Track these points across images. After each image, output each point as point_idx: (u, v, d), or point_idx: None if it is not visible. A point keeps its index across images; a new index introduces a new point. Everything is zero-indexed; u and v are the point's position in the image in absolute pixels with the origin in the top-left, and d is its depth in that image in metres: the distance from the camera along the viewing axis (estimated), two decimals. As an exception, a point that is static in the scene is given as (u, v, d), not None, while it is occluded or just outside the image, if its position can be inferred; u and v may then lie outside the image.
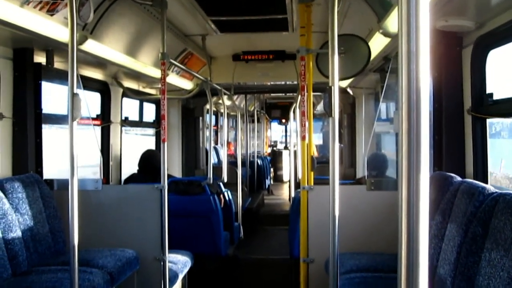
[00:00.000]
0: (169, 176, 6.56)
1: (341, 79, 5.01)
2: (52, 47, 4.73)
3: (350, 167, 9.09)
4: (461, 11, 3.82)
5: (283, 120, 21.25)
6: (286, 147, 20.32)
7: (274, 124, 23.62)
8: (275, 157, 19.20)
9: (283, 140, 23.20)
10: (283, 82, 9.55)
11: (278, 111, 19.98)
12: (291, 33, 6.67)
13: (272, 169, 17.86)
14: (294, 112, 9.19)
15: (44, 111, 4.97)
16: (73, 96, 3.36)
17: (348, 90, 8.40)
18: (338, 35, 3.57)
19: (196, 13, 5.76)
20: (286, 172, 18.36)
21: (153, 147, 8.26)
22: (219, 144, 14.05)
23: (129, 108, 7.63)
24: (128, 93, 7.07)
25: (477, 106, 4.12)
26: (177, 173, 9.09)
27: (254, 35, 7.16)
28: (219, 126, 14.10)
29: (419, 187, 1.07)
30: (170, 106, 8.96)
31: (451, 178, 3.89)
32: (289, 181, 12.32)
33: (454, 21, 3.94)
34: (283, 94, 14.69)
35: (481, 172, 4.14)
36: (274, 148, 21.51)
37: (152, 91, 7.97)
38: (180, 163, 9.34)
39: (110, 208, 4.95)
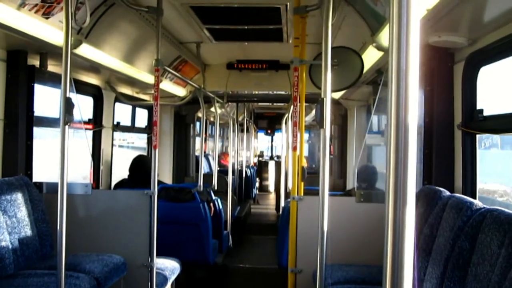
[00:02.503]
0: (159, 182, 6.55)
1: (334, 91, 5.03)
2: (46, 50, 4.73)
3: (340, 178, 9.12)
4: (453, 28, 3.86)
5: (269, 131, 21.32)
6: (271, 158, 20.39)
7: (261, 135, 23.58)
8: (261, 167, 19.28)
9: (269, 151, 23.20)
10: (276, 92, 9.60)
11: (265, 122, 20.06)
12: (286, 44, 6.71)
13: (258, 179, 17.90)
14: (286, 123, 9.22)
15: (37, 114, 4.96)
16: (66, 100, 3.37)
17: (341, 101, 8.43)
18: (332, 47, 3.60)
19: (191, 21, 5.78)
20: (272, 182, 18.50)
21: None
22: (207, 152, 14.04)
23: (123, 113, 7.63)
24: (121, 98, 7.07)
25: (467, 121, 4.16)
26: (168, 179, 9.07)
27: (249, 44, 7.20)
28: (207, 134, 14.10)
29: (406, 203, 1.08)
30: (163, 112, 8.97)
31: (440, 193, 3.91)
32: (276, 191, 12.36)
33: (446, 37, 3.98)
34: (271, 104, 14.74)
35: (470, 187, 4.17)
36: (260, 158, 21.50)
37: (146, 97, 7.97)
38: (171, 170, 9.33)
39: (99, 213, 4.93)
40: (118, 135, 7.81)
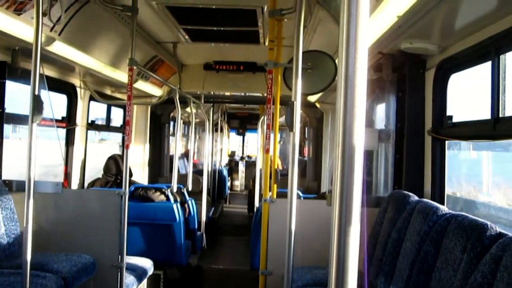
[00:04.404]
0: (133, 182, 6.51)
1: (308, 94, 5.05)
2: (18, 46, 4.66)
3: (314, 180, 9.15)
4: (425, 35, 3.91)
5: (241, 131, 21.35)
6: (242, 158, 20.49)
7: (232, 134, 23.53)
8: (232, 167, 19.39)
9: (241, 151, 23.24)
10: (253, 94, 9.60)
11: (237, 121, 20.06)
12: (263, 46, 6.72)
13: (229, 179, 18.00)
14: (262, 125, 9.23)
15: (10, 111, 4.89)
16: (34, 98, 3.32)
17: (317, 105, 8.48)
18: (307, 51, 3.63)
19: (167, 20, 5.76)
20: (243, 182, 18.66)
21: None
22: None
23: (99, 112, 7.56)
24: (96, 96, 6.99)
25: (437, 127, 4.21)
26: (143, 179, 9.00)
27: (226, 45, 7.19)
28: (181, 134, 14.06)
29: (352, 210, 1.10)
30: (139, 111, 8.91)
31: (409, 197, 3.96)
32: (249, 192, 12.40)
33: (418, 43, 4.03)
34: (243, 105, 14.79)
35: (439, 193, 4.22)
36: (231, 158, 21.57)
37: (122, 96, 7.91)
38: (146, 170, 9.26)
39: (69, 212, 4.87)
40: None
